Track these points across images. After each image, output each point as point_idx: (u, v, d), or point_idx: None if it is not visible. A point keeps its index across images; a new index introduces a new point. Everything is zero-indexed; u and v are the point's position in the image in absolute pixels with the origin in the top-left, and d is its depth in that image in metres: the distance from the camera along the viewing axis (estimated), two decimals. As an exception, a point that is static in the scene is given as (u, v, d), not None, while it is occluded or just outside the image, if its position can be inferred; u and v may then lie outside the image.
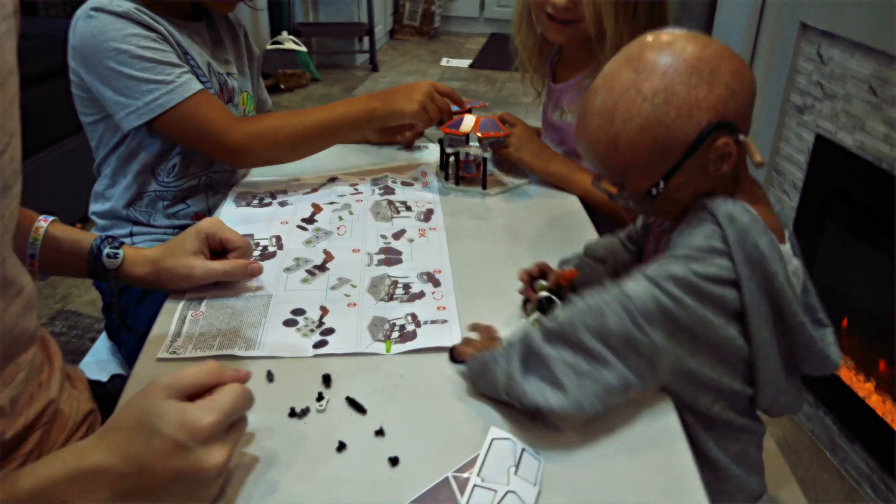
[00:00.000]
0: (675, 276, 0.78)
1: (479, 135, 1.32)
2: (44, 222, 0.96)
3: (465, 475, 0.73)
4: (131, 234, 1.37)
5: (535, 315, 0.97)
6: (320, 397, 0.84)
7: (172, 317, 0.98)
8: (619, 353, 0.77)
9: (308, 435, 0.79)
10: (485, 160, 1.34)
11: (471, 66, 5.52)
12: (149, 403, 0.63)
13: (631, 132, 0.82)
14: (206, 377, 0.66)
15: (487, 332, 0.93)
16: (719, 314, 0.80)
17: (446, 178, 1.40)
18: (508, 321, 0.99)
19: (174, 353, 0.90)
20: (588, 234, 1.24)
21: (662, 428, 0.81)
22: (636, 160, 0.83)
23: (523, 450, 0.74)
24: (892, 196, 1.53)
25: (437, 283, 1.07)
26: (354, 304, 1.01)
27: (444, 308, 1.01)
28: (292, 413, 0.81)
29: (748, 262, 0.80)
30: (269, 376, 0.87)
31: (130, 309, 1.28)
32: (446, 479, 0.73)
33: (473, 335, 0.93)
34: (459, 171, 1.38)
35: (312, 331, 0.95)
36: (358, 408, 0.82)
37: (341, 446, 0.77)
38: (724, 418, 0.87)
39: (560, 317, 0.80)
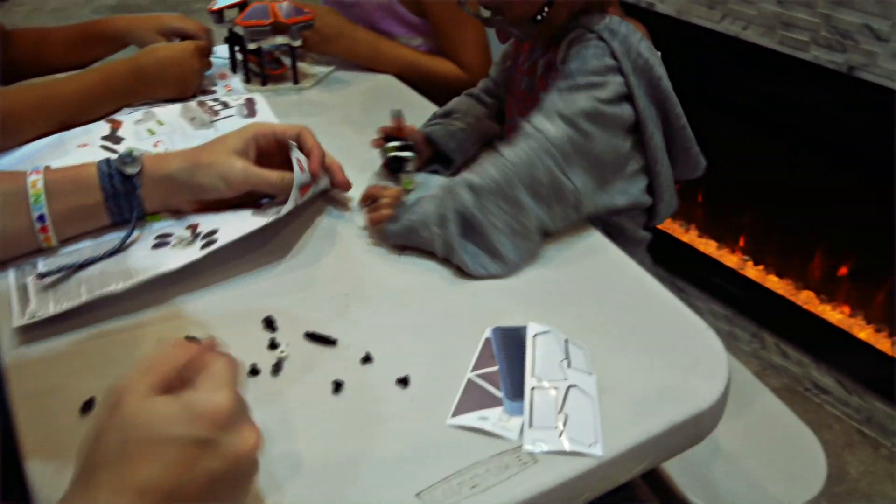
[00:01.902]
0: (586, 110, 0.80)
1: (286, 21, 1.14)
2: (37, 174, 0.76)
3: (486, 371, 0.66)
4: None
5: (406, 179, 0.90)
6: (274, 345, 0.69)
7: (6, 290, 0.75)
8: (547, 204, 0.80)
9: (287, 387, 0.65)
10: (294, 50, 1.18)
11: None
12: (133, 413, 0.45)
13: None
14: (180, 356, 0.50)
15: (393, 192, 0.85)
16: (624, 135, 0.84)
17: (248, 80, 1.21)
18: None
19: (33, 316, 0.70)
20: (422, 100, 1.19)
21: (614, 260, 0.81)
22: None
23: (566, 340, 0.68)
24: (720, 54, 1.66)
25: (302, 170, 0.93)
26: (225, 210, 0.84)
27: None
28: (253, 371, 0.66)
29: (636, 71, 0.83)
30: (194, 340, 0.69)
31: None
32: (470, 380, 0.65)
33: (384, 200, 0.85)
34: (264, 69, 1.20)
35: (191, 242, 0.78)
36: (325, 341, 0.70)
37: (337, 386, 0.65)
38: (629, 233, 0.92)
39: (493, 173, 0.79)
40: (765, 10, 1.49)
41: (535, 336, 0.68)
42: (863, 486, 1.54)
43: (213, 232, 0.79)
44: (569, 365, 0.66)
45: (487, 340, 0.70)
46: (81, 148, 0.98)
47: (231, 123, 1.06)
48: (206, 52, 1.17)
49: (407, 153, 0.91)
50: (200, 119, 1.07)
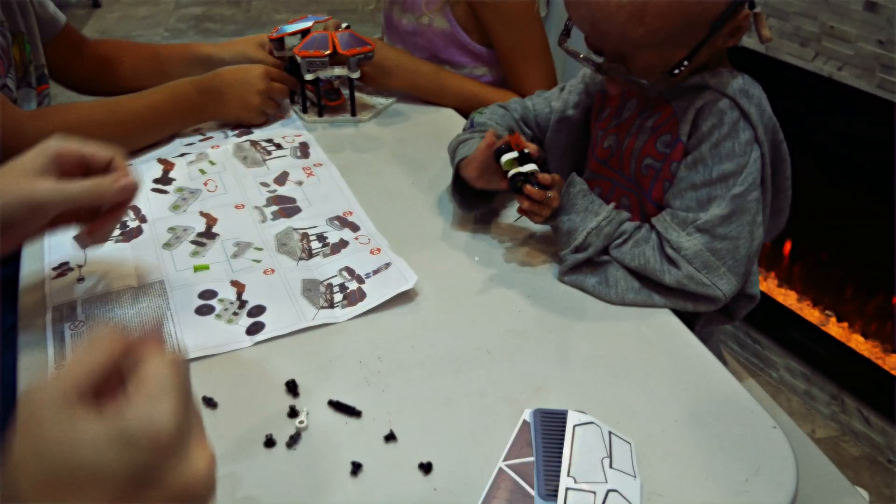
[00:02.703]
0: (724, 216, 0.76)
1: (344, 53, 1.11)
2: None
3: (520, 461, 0.60)
4: None
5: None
6: (294, 412, 0.64)
7: (43, 337, 0.72)
8: (685, 301, 0.78)
9: (303, 463, 0.60)
10: (352, 82, 1.14)
11: (209, -14, 4.97)
12: (51, 434, 0.36)
13: (663, 2, 0.70)
14: (108, 351, 0.39)
15: (557, 198, 0.80)
16: (760, 216, 0.79)
17: (304, 111, 1.18)
18: (453, 255, 0.86)
19: None
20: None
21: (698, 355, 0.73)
22: (657, 34, 0.71)
23: (611, 433, 0.61)
24: (812, 95, 1.55)
25: (354, 228, 0.89)
26: (272, 271, 0.82)
27: (379, 250, 0.85)
28: (269, 442, 0.62)
29: (766, 134, 0.77)
30: (210, 403, 0.65)
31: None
32: (501, 471, 0.59)
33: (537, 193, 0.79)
34: (321, 100, 1.17)
35: (236, 314, 0.75)
36: (349, 411, 0.65)
37: (356, 468, 0.59)
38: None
39: (630, 259, 0.78)
40: (863, 51, 1.37)
41: (574, 427, 0.61)
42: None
43: (260, 310, 0.76)
44: (611, 464, 0.58)
45: (525, 424, 0.63)
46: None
47: (284, 163, 1.03)
48: (276, 76, 1.14)
49: (529, 166, 0.79)
50: (252, 158, 1.04)
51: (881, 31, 1.34)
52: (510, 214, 0.93)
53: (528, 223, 0.88)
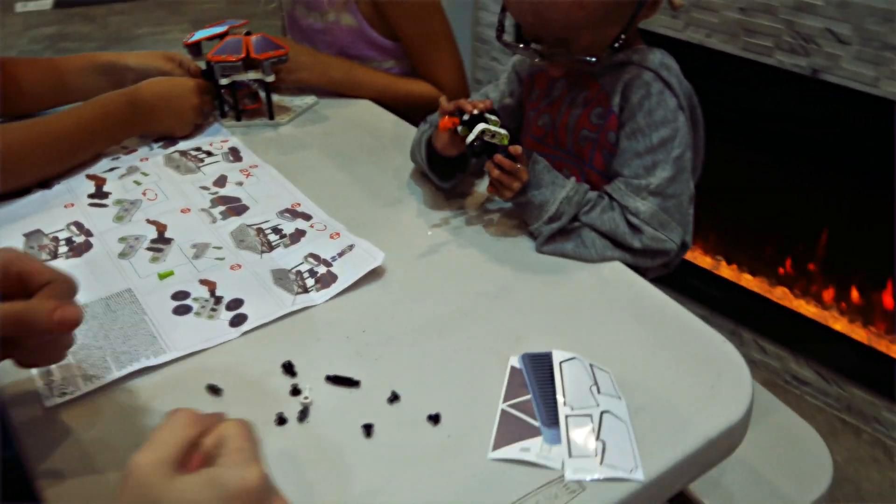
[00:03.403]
0: (670, 177, 0.85)
1: (258, 56, 1.12)
2: None
3: (519, 400, 0.66)
4: None
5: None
6: (296, 391, 0.67)
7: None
8: (645, 258, 0.87)
9: (317, 434, 0.64)
10: (268, 85, 1.16)
11: (56, 5, 4.70)
12: (158, 492, 0.43)
13: None
14: (192, 429, 0.47)
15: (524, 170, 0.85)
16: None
17: (223, 115, 1.19)
18: (406, 233, 0.91)
19: (64, 393, 0.66)
20: (409, 128, 1.17)
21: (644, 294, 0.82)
22: (595, 14, 0.79)
23: (591, 365, 0.68)
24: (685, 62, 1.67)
25: (307, 217, 0.93)
26: (239, 266, 0.84)
27: (339, 234, 0.88)
28: (281, 420, 0.64)
29: (687, 100, 0.86)
30: (215, 390, 0.67)
31: None
32: (503, 411, 0.65)
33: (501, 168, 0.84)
34: (238, 104, 1.18)
35: (214, 309, 0.77)
36: (348, 382, 0.68)
37: (368, 429, 0.63)
38: None
39: (600, 224, 0.85)
40: (727, 18, 1.52)
41: (560, 363, 0.68)
42: (850, 472, 1.58)
43: (238, 303, 0.78)
44: (598, 391, 0.66)
45: (515, 369, 0.69)
46: (69, 208, 0.94)
47: (219, 168, 1.04)
48: (205, 89, 1.14)
49: (478, 128, 0.82)
50: (185, 167, 1.04)
51: (741, -1, 1.50)
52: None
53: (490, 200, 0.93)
